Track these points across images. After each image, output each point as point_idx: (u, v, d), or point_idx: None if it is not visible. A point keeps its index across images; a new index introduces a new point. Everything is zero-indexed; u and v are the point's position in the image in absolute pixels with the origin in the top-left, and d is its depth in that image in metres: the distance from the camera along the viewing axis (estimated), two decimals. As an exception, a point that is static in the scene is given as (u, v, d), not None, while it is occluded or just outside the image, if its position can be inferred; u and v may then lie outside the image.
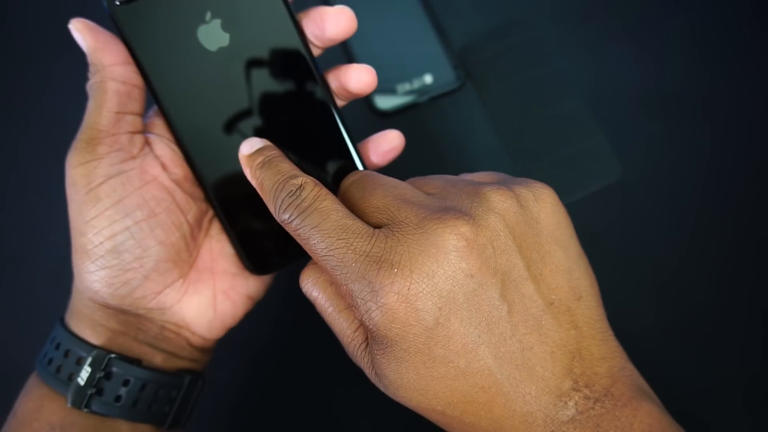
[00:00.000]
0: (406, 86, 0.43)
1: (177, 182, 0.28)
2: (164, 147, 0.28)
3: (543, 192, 0.23)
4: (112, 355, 0.26)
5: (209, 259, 0.29)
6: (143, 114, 0.28)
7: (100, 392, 0.26)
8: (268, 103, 0.27)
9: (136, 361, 0.27)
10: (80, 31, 0.26)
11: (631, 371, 0.22)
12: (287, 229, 0.23)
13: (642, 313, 0.39)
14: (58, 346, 0.27)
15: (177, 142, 0.27)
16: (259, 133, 0.27)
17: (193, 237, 0.28)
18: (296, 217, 0.22)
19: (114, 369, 0.26)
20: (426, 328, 0.20)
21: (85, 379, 0.25)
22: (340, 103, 0.29)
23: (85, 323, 0.27)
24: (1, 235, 0.41)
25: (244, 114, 0.27)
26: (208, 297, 0.28)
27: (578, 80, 0.44)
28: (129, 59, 0.26)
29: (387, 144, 0.29)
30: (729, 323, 0.39)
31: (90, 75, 0.26)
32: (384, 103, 0.43)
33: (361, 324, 0.23)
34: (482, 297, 0.20)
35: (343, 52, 0.44)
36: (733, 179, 0.42)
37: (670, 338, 0.39)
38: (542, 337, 0.21)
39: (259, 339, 0.39)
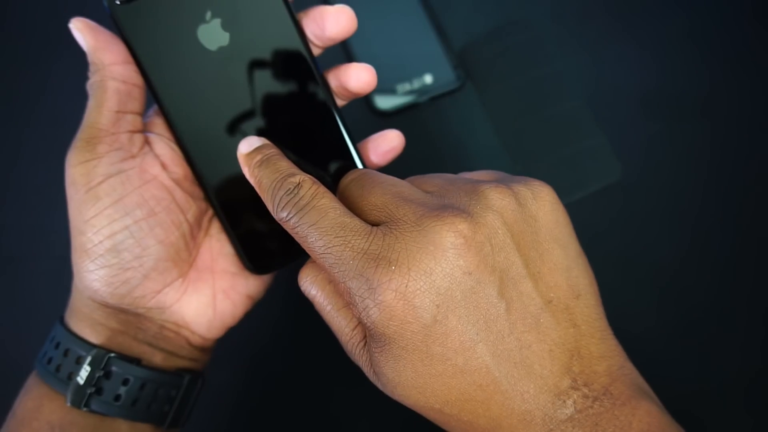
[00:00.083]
0: (406, 86, 0.43)
1: (177, 181, 0.28)
2: (164, 146, 0.28)
3: (542, 190, 0.23)
4: (112, 354, 0.26)
5: (209, 259, 0.29)
6: (143, 113, 0.28)
7: (99, 391, 0.26)
8: (268, 102, 0.27)
9: (135, 360, 0.27)
10: (80, 30, 0.26)
11: (630, 370, 0.22)
12: (285, 227, 0.23)
13: (642, 313, 0.39)
14: (57, 345, 0.27)
15: (177, 142, 0.27)
16: (259, 132, 0.27)
17: (192, 236, 0.28)
18: (294, 215, 0.22)
19: (113, 368, 0.26)
20: (424, 326, 0.20)
21: (84, 378, 0.25)
22: (340, 102, 0.29)
23: (85, 322, 0.27)
24: (0, 235, 0.41)
25: (244, 113, 0.27)
26: (207, 296, 0.28)
27: (578, 80, 0.44)
28: (129, 58, 0.26)
29: (387, 144, 0.29)
30: (729, 323, 0.39)
31: (90, 74, 0.26)
32: (384, 103, 0.43)
33: (359, 322, 0.23)
34: (480, 294, 0.20)
35: (343, 52, 0.44)
36: (733, 179, 0.42)
37: (671, 338, 0.38)
38: (540, 335, 0.21)
39: (259, 339, 0.39)
